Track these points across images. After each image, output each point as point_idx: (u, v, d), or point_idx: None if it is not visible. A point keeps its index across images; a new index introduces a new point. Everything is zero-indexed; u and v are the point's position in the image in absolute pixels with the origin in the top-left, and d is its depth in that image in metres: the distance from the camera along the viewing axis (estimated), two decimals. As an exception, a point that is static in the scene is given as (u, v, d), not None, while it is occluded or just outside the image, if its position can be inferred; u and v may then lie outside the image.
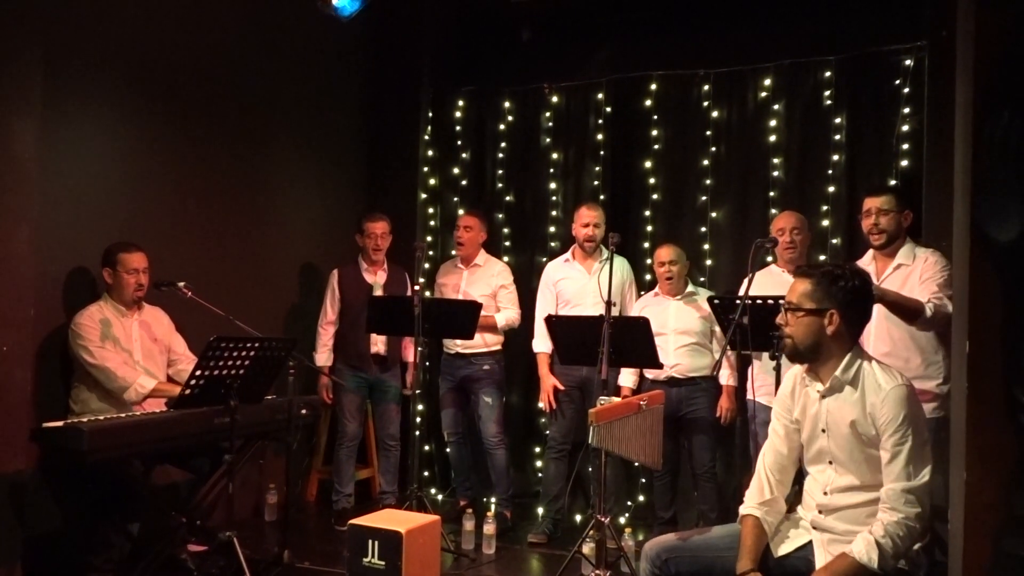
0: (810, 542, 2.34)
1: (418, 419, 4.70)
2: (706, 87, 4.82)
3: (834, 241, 4.46)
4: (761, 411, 3.51)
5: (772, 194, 4.63)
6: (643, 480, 4.80)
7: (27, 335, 3.26)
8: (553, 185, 5.25)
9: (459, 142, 5.51)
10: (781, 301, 2.48)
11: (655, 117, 4.94)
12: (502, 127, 5.40)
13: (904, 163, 4.30)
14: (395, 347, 4.72)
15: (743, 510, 2.42)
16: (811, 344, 2.33)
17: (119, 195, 3.86)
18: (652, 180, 4.94)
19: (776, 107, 4.66)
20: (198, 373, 3.14)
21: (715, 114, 4.80)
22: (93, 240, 3.63)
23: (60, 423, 3.02)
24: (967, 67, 2.18)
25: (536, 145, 5.31)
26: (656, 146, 4.94)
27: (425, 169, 5.52)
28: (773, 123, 4.65)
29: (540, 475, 4.80)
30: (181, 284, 3.63)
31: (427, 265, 5.15)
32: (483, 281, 4.69)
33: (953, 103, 2.41)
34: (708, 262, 4.76)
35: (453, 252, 4.97)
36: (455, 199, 5.51)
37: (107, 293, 3.60)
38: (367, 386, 4.66)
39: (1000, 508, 2.05)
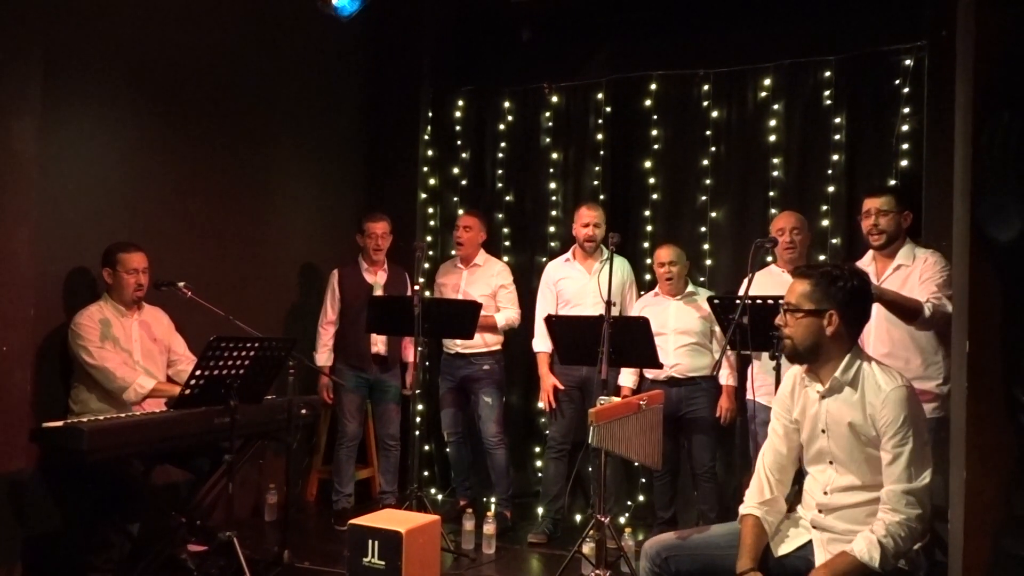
0: (810, 541, 2.34)
1: (418, 419, 4.70)
2: (706, 87, 4.82)
3: (834, 241, 4.46)
4: (761, 411, 3.51)
5: (772, 194, 4.63)
6: (643, 480, 4.80)
7: (27, 335, 3.26)
8: (553, 185, 5.25)
9: (459, 142, 5.51)
10: (781, 301, 2.48)
11: (655, 117, 4.94)
12: (502, 127, 5.40)
13: (904, 163, 4.30)
14: (395, 347, 4.72)
15: (743, 509, 2.42)
16: (810, 345, 2.33)
17: (119, 195, 3.86)
18: (652, 180, 4.94)
19: (776, 107, 4.65)
20: (198, 373, 3.14)
21: (715, 114, 4.80)
22: (93, 240, 3.63)
23: (60, 423, 3.02)
24: (967, 67, 2.18)
25: (536, 145, 5.31)
26: (656, 146, 4.94)
27: (425, 169, 5.52)
28: (773, 123, 4.65)
29: (540, 475, 4.80)
30: (181, 284, 3.64)
31: (427, 265, 5.15)
32: (483, 281, 4.69)
33: (953, 103, 2.41)
34: (708, 262, 4.76)
35: (453, 252, 4.96)
36: (455, 199, 5.51)
37: (107, 293, 3.60)
38: (367, 386, 4.66)
39: (1000, 508, 2.06)
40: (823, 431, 2.36)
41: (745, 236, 4.57)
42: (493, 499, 4.69)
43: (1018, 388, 2.04)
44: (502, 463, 4.62)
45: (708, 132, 4.80)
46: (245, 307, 4.00)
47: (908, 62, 4.29)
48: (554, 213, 5.24)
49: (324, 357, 4.59)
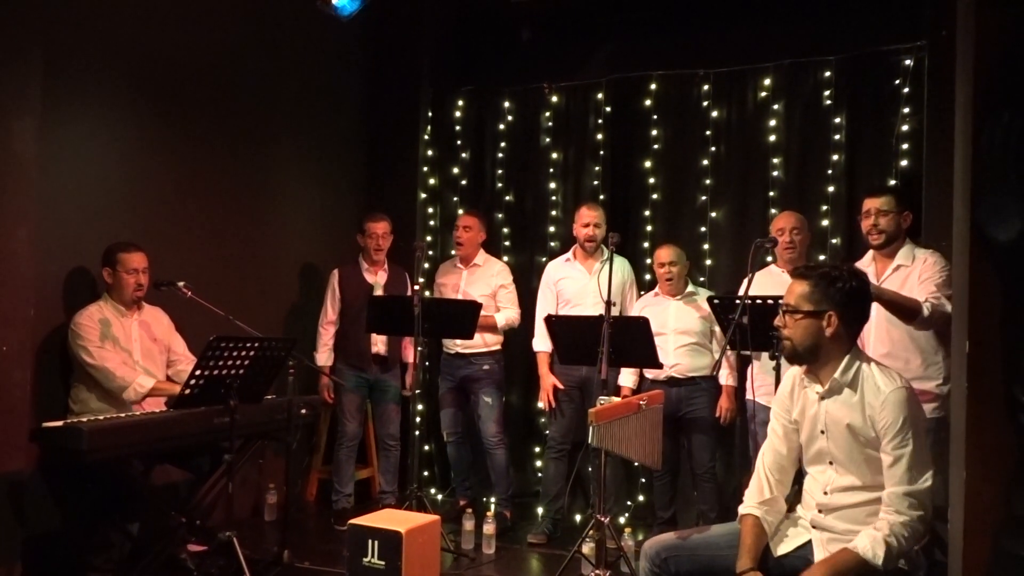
0: (809, 541, 2.34)
1: (418, 419, 4.70)
2: (706, 87, 4.82)
3: (834, 241, 4.46)
4: (760, 411, 3.51)
5: (772, 194, 4.63)
6: (643, 480, 4.80)
7: (27, 335, 3.26)
8: (553, 185, 5.25)
9: (459, 142, 5.51)
10: (780, 301, 2.48)
11: (655, 117, 4.94)
12: (502, 127, 5.40)
13: (904, 163, 4.30)
14: (395, 347, 4.72)
15: (743, 509, 2.42)
16: (810, 346, 2.33)
17: (119, 195, 3.86)
18: (652, 180, 4.94)
19: (776, 107, 4.66)
20: (198, 373, 3.14)
21: (715, 114, 4.80)
22: (93, 240, 3.63)
23: (60, 423, 3.02)
24: (967, 67, 2.18)
25: (536, 145, 5.31)
26: (656, 146, 4.94)
27: (425, 169, 5.52)
28: (773, 123, 4.65)
29: (540, 475, 4.80)
30: (181, 284, 3.64)
31: (427, 265, 5.15)
32: (483, 281, 4.69)
33: (953, 103, 2.41)
34: (708, 262, 4.76)
35: (453, 252, 4.96)
36: (455, 199, 5.51)
37: (107, 293, 3.60)
38: (367, 386, 4.66)
39: (1000, 508, 2.06)
40: (822, 432, 2.36)
41: (745, 236, 4.57)
42: (493, 499, 4.69)
43: (1018, 388, 2.04)
44: (502, 463, 4.62)
45: (708, 132, 4.80)
46: (245, 307, 4.00)
47: (908, 62, 4.30)
48: (554, 213, 5.24)
49: (324, 357, 4.59)
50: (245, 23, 4.53)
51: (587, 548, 3.67)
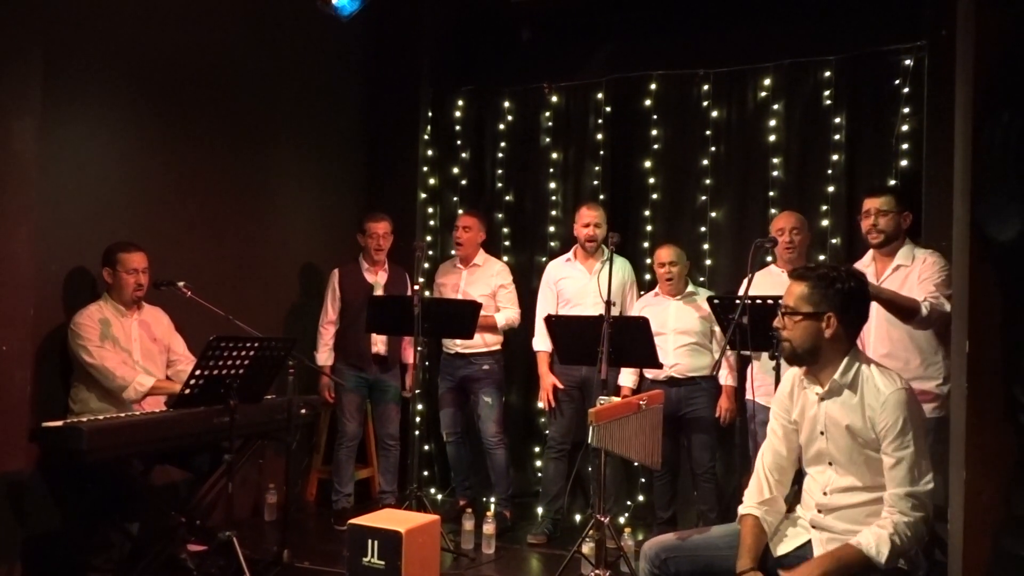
0: (809, 541, 2.34)
1: (418, 419, 4.70)
2: (706, 87, 4.82)
3: (834, 241, 4.46)
4: (760, 411, 3.51)
5: (772, 194, 4.63)
6: (643, 480, 4.80)
7: (27, 335, 3.26)
8: (553, 185, 5.25)
9: (459, 142, 5.51)
10: (780, 302, 2.48)
11: (655, 117, 4.94)
12: (502, 127, 5.40)
13: (904, 163, 4.30)
14: (395, 347, 4.72)
15: (742, 510, 2.42)
16: (809, 347, 2.33)
17: (119, 195, 3.86)
18: (652, 180, 4.94)
19: (776, 107, 4.65)
20: (197, 373, 3.14)
21: (715, 114, 4.80)
22: (93, 240, 3.63)
23: (59, 423, 3.02)
24: (967, 67, 2.18)
25: (536, 145, 5.31)
26: (656, 146, 4.94)
27: (425, 169, 5.52)
28: (773, 123, 4.65)
29: (540, 475, 4.80)
30: (181, 284, 3.64)
31: (426, 265, 5.15)
32: (482, 281, 4.69)
33: (953, 103, 2.41)
34: (708, 262, 4.76)
35: (452, 252, 4.96)
36: (455, 199, 5.51)
37: (107, 293, 3.60)
38: (367, 386, 4.66)
39: (1000, 508, 2.06)
40: (822, 433, 2.36)
41: (745, 236, 4.58)
42: (493, 499, 4.69)
43: (1018, 388, 2.04)
44: (502, 463, 4.62)
45: (708, 132, 4.80)
46: (245, 307, 4.00)
47: (908, 62, 4.30)
48: (554, 213, 5.24)
49: (325, 356, 4.59)
50: (245, 23, 4.53)
51: (587, 548, 3.67)
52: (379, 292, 4.60)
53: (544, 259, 5.03)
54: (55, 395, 3.50)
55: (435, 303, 4.32)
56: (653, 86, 4.93)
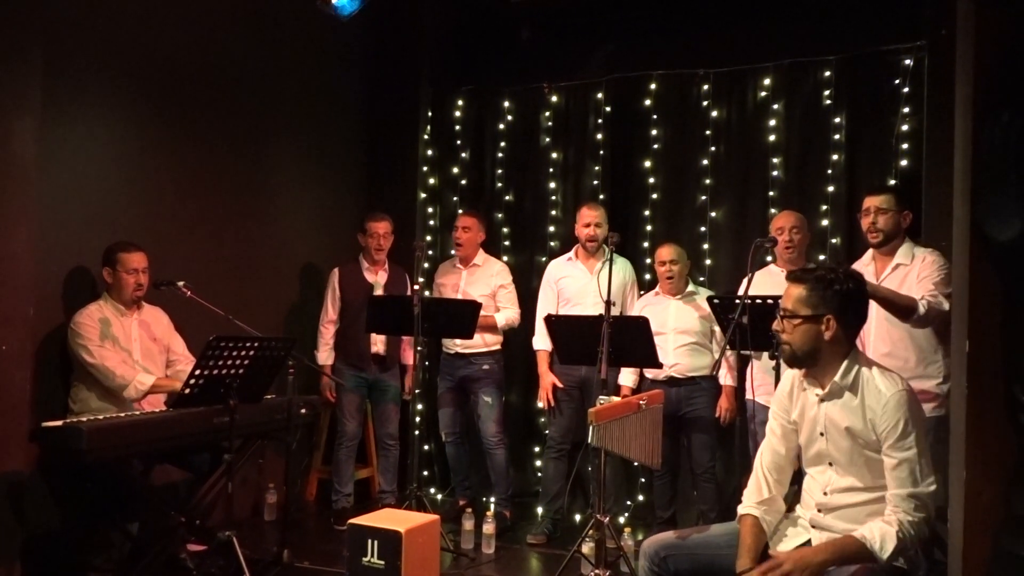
0: (809, 541, 2.34)
1: (417, 419, 4.70)
2: (706, 87, 4.82)
3: (834, 241, 4.46)
4: (760, 411, 3.51)
5: (772, 194, 4.63)
6: (643, 480, 4.80)
7: (27, 335, 3.26)
8: (553, 185, 5.25)
9: (459, 142, 5.51)
10: (779, 304, 2.48)
11: (655, 117, 4.94)
12: (502, 127, 5.40)
13: (904, 163, 4.30)
14: (394, 347, 4.72)
15: (741, 510, 2.42)
16: (809, 350, 2.33)
17: (119, 195, 3.85)
18: (652, 180, 4.94)
19: (776, 107, 4.65)
20: (197, 372, 3.14)
21: (715, 114, 4.80)
22: (93, 240, 3.63)
23: (59, 422, 3.02)
24: (967, 67, 2.18)
25: (536, 145, 5.31)
26: (656, 146, 4.94)
27: (424, 169, 5.52)
28: (773, 123, 4.65)
29: (539, 475, 4.80)
30: (181, 283, 3.64)
31: (426, 265, 5.15)
32: (482, 281, 4.69)
33: (953, 103, 2.41)
34: (708, 262, 4.76)
35: (452, 252, 4.97)
36: (455, 199, 5.51)
37: (107, 292, 3.60)
38: (366, 386, 4.66)
39: (1000, 507, 2.06)
40: (822, 434, 2.36)
41: (745, 236, 4.58)
42: (492, 499, 4.69)
43: (1018, 388, 2.05)
44: (502, 463, 4.62)
45: (708, 132, 4.80)
46: (245, 307, 4.00)
47: (908, 62, 4.29)
48: (554, 213, 5.24)
49: (325, 356, 4.59)
50: (245, 23, 4.53)
51: (587, 548, 3.67)
52: (379, 292, 4.60)
53: (544, 259, 5.03)
54: (55, 395, 3.50)
55: (435, 303, 4.32)
56: (653, 86, 4.93)
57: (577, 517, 4.79)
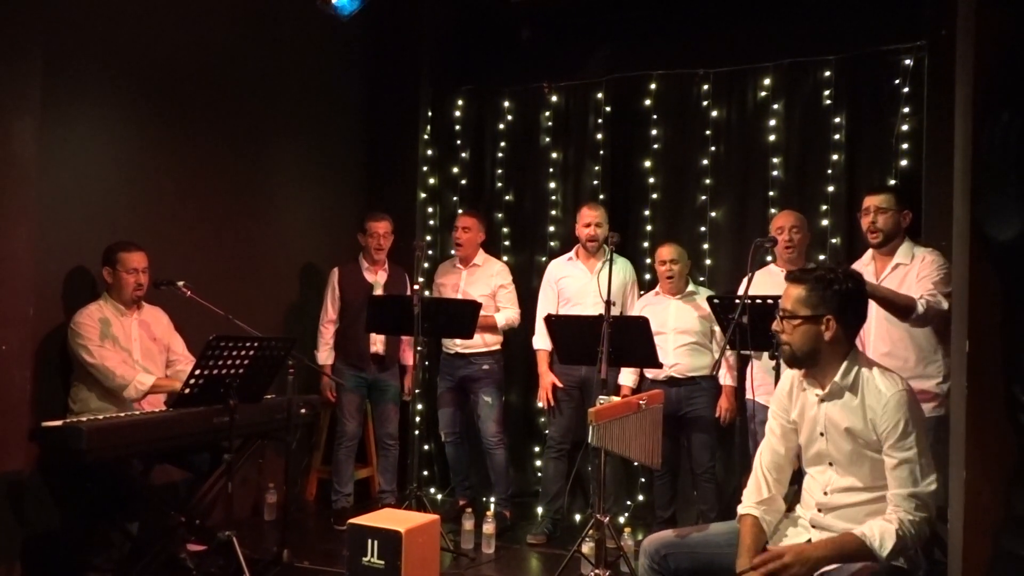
0: (809, 540, 2.34)
1: (417, 419, 4.70)
2: (706, 87, 4.82)
3: (834, 241, 4.46)
4: (760, 411, 3.51)
5: (772, 194, 4.63)
6: (643, 479, 4.80)
7: (26, 334, 3.26)
8: (553, 185, 5.25)
9: (458, 141, 5.51)
10: (778, 304, 2.48)
11: (655, 117, 4.94)
12: (502, 126, 5.40)
13: (904, 163, 4.30)
14: (394, 347, 4.72)
15: (741, 509, 2.42)
16: (809, 351, 2.33)
17: (119, 195, 3.85)
18: (652, 180, 4.94)
19: (776, 107, 4.66)
20: (197, 372, 3.14)
21: (715, 114, 4.80)
22: (93, 240, 3.63)
23: (59, 422, 3.02)
24: (967, 67, 2.18)
25: (536, 145, 5.31)
26: (656, 146, 4.94)
27: (424, 168, 5.52)
28: (773, 123, 4.65)
29: (539, 475, 4.80)
30: (180, 283, 3.64)
31: (426, 265, 5.15)
32: (482, 281, 4.69)
33: (953, 103, 2.41)
34: (708, 262, 4.76)
35: (452, 252, 4.97)
36: (455, 198, 5.51)
37: (107, 292, 3.60)
38: (366, 386, 4.67)
39: (1000, 508, 2.06)
40: (822, 434, 2.36)
41: (745, 236, 4.58)
42: (492, 499, 4.69)
43: (1018, 388, 2.05)
44: (502, 463, 4.62)
45: (708, 132, 4.80)
46: (245, 307, 4.00)
47: (908, 62, 4.29)
48: (554, 213, 5.24)
49: (325, 355, 4.59)
50: (245, 23, 4.53)
51: (587, 548, 3.67)
52: (378, 291, 4.60)
53: (544, 259, 5.04)
54: (55, 395, 3.50)
55: (435, 303, 4.32)
56: (653, 86, 4.93)
57: (577, 517, 4.79)
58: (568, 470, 4.35)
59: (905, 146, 4.31)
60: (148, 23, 3.93)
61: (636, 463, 4.51)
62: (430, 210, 5.55)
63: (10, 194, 3.15)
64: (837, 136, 4.49)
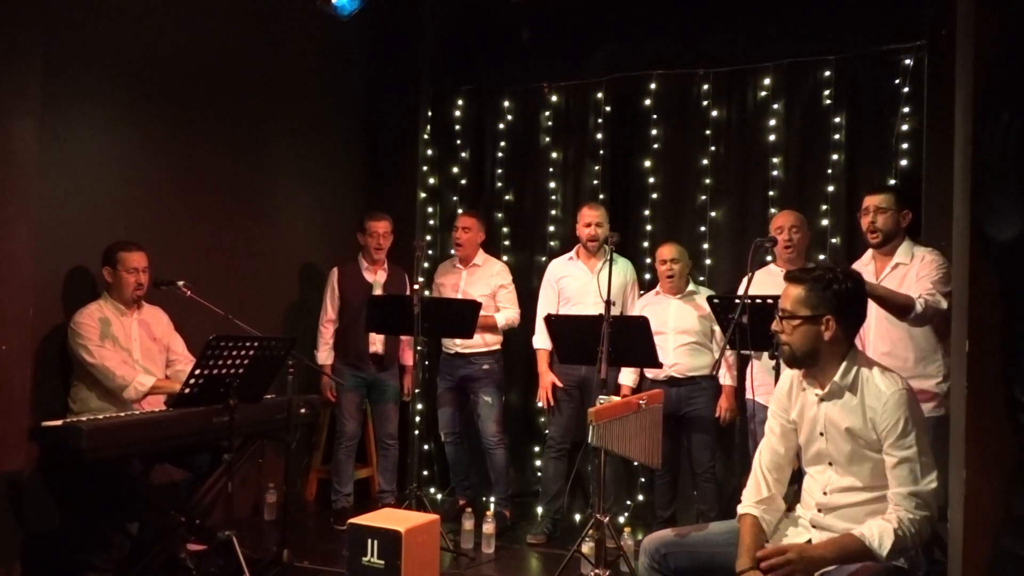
0: (809, 540, 2.34)
1: (417, 418, 4.70)
2: (706, 86, 4.82)
3: (834, 241, 4.46)
4: (760, 410, 3.51)
5: (772, 193, 4.63)
6: (642, 479, 4.80)
7: (26, 334, 3.25)
8: (553, 184, 5.25)
9: (458, 141, 5.51)
10: (778, 304, 2.48)
11: (655, 116, 4.94)
12: (502, 126, 5.40)
13: (904, 163, 4.30)
14: (393, 347, 4.72)
15: (741, 509, 2.42)
16: (809, 351, 2.33)
17: (119, 195, 3.85)
18: (652, 179, 4.94)
19: (776, 107, 4.66)
20: (197, 372, 3.14)
21: (715, 113, 4.80)
22: (93, 240, 3.63)
23: (59, 422, 3.02)
24: (967, 67, 2.18)
25: (536, 144, 5.31)
26: (656, 145, 4.94)
27: (424, 168, 5.52)
28: (773, 122, 4.65)
29: (539, 474, 4.80)
30: (180, 283, 3.64)
31: (426, 264, 5.15)
32: (482, 281, 4.69)
33: (953, 103, 2.41)
34: (708, 261, 4.76)
35: (452, 252, 4.97)
36: (454, 198, 5.51)
37: (107, 292, 3.60)
38: (366, 385, 4.67)
39: (1000, 507, 2.06)
40: (821, 434, 2.36)
41: (745, 236, 4.58)
42: (492, 498, 4.69)
43: (1018, 388, 2.04)
44: (501, 463, 4.62)
45: (708, 132, 4.80)
46: (245, 307, 4.00)
47: (908, 62, 4.30)
48: (554, 213, 5.24)
49: (325, 355, 4.59)
50: (245, 23, 4.53)
51: (587, 548, 3.67)
52: (378, 291, 4.60)
53: (544, 259, 5.04)
54: (55, 395, 3.50)
55: (435, 303, 4.32)
56: (653, 86, 4.93)
57: (577, 517, 4.79)
58: (568, 470, 4.35)
59: (905, 146, 4.31)
60: (148, 23, 3.93)
61: (636, 463, 4.52)
62: (430, 210, 5.55)
63: (10, 194, 3.15)
64: (837, 136, 4.49)
